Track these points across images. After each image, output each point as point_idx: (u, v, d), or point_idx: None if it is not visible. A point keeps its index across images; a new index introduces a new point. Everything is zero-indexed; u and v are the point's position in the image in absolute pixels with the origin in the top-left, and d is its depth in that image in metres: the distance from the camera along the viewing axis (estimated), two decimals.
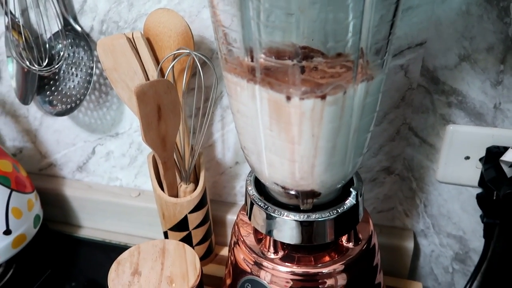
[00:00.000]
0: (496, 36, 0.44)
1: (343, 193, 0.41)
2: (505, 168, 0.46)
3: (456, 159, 0.52)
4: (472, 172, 0.52)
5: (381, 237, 0.58)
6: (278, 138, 0.34)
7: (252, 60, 0.33)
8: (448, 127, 0.50)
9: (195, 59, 0.48)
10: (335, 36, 0.33)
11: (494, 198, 0.50)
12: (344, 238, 0.42)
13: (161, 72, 0.51)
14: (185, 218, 0.56)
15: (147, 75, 0.50)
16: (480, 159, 0.51)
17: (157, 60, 0.51)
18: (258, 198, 0.41)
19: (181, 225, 0.56)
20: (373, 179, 0.57)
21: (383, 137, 0.54)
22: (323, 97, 0.31)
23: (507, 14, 0.43)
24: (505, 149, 0.48)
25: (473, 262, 0.58)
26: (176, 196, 0.56)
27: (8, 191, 0.56)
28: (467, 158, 0.51)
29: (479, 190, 0.53)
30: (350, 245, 0.42)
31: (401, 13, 0.45)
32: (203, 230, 0.59)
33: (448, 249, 0.59)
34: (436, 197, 0.56)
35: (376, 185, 0.58)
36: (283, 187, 0.38)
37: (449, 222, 0.57)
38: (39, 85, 0.60)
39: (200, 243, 0.59)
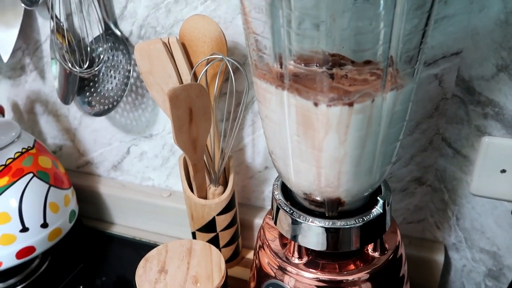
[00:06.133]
0: None
1: (371, 201, 0.41)
2: None
3: (491, 172, 0.50)
4: (508, 186, 0.50)
5: (410, 249, 0.57)
6: (305, 145, 0.34)
7: (281, 67, 0.33)
8: (483, 139, 0.49)
9: (228, 64, 0.49)
10: (365, 44, 0.33)
11: None
12: (370, 247, 0.42)
13: (195, 76, 0.52)
14: (213, 220, 0.57)
15: (181, 79, 0.52)
16: None
17: (191, 65, 0.52)
18: (284, 203, 0.41)
19: (209, 226, 0.57)
20: (404, 189, 0.56)
21: (415, 147, 0.53)
22: (350, 105, 0.31)
23: None
24: None
25: (507, 279, 0.56)
26: (205, 198, 0.57)
27: (47, 186, 0.59)
28: (503, 171, 0.50)
29: None
30: (376, 254, 0.42)
31: (435, 22, 0.45)
32: (230, 232, 0.59)
33: (481, 264, 0.57)
34: (469, 210, 0.54)
35: (407, 195, 0.57)
36: (308, 194, 0.38)
37: (483, 237, 0.55)
38: (79, 86, 0.63)
39: (227, 245, 0.60)
